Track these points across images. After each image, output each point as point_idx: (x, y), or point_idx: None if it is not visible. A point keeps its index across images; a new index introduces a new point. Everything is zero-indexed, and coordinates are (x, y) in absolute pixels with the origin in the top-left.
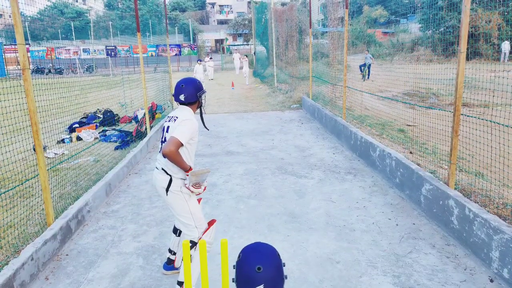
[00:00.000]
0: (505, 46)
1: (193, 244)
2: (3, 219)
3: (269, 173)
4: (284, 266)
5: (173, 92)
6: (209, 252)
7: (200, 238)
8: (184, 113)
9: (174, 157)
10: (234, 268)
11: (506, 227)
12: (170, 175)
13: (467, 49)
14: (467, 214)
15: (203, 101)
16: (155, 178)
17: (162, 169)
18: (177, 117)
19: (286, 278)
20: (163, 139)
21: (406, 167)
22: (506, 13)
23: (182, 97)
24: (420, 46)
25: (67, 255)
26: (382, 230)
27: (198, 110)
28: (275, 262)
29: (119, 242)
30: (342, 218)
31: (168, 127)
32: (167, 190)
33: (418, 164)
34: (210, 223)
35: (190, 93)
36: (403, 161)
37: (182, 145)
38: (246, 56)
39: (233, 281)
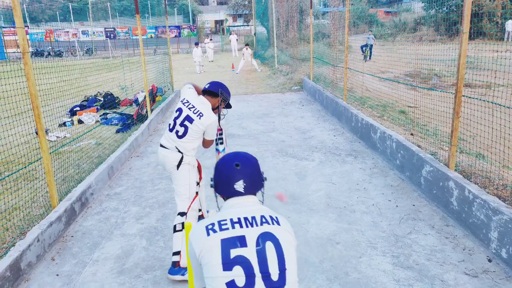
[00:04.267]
0: (509, 25)
1: (183, 214)
2: (8, 201)
3: (270, 156)
4: (263, 174)
5: (173, 74)
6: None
7: (188, 208)
8: (208, 110)
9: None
10: (211, 180)
11: (505, 208)
12: (182, 153)
13: (470, 28)
14: (466, 195)
15: (222, 114)
16: (165, 156)
17: (176, 147)
18: (201, 114)
19: (265, 179)
20: (179, 121)
21: (406, 149)
22: None
23: (207, 85)
24: (423, 26)
25: (72, 236)
26: (382, 212)
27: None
28: (253, 161)
29: (123, 224)
30: (342, 200)
31: (187, 115)
32: (178, 165)
33: (419, 146)
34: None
35: (215, 86)
36: (403, 143)
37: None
38: (248, 45)
39: (211, 187)
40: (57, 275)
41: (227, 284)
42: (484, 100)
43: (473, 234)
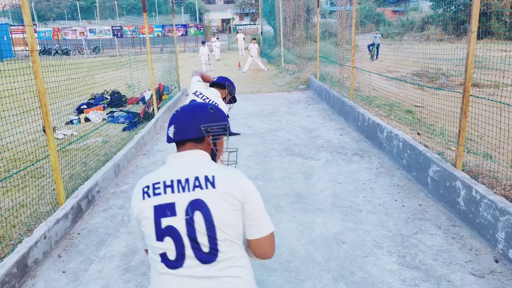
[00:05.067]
0: None
1: None
2: (16, 198)
3: (276, 154)
4: (226, 125)
5: (180, 72)
6: None
7: None
8: (221, 101)
9: None
10: None
11: None
12: None
13: (478, 27)
14: (474, 196)
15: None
16: None
17: None
18: (217, 104)
19: (211, 132)
20: None
21: (413, 148)
22: None
23: (215, 78)
24: (430, 25)
25: (78, 234)
26: (388, 211)
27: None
28: (195, 108)
29: (129, 221)
30: (348, 199)
31: None
32: None
33: (426, 146)
34: None
35: (223, 79)
36: (410, 142)
37: None
38: (255, 40)
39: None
40: (64, 272)
41: (160, 255)
42: (492, 100)
43: (480, 235)
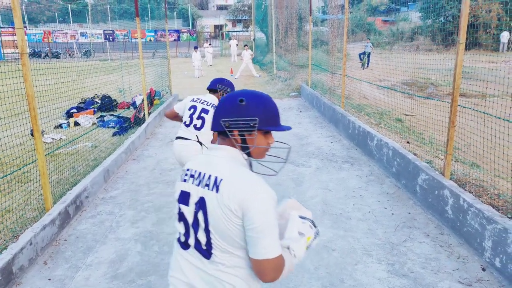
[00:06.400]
0: (504, 37)
1: None
2: (1, 204)
3: None
4: (252, 120)
5: (172, 78)
6: None
7: None
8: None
9: None
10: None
11: (499, 217)
12: (201, 143)
13: (466, 39)
14: (461, 204)
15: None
16: (184, 145)
17: (197, 136)
18: (215, 105)
19: (232, 128)
20: (195, 115)
21: (402, 156)
22: (506, 3)
23: (208, 85)
24: (420, 35)
25: (65, 240)
26: (378, 219)
27: None
28: (223, 103)
29: (117, 228)
30: (338, 207)
31: (203, 108)
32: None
33: (415, 154)
34: None
35: (214, 83)
36: (400, 150)
37: None
38: (246, 46)
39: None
40: (49, 279)
41: (179, 233)
42: (478, 110)
43: (468, 243)
